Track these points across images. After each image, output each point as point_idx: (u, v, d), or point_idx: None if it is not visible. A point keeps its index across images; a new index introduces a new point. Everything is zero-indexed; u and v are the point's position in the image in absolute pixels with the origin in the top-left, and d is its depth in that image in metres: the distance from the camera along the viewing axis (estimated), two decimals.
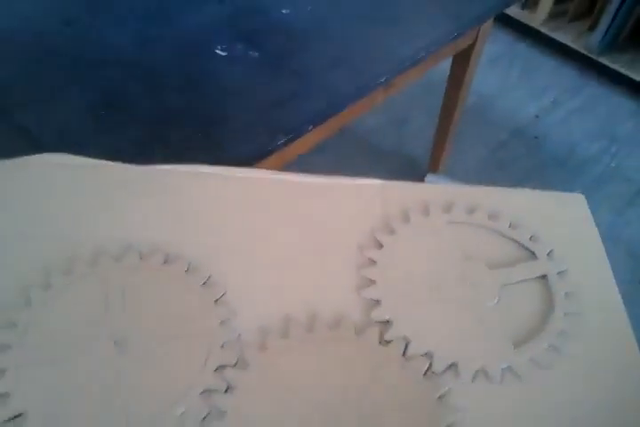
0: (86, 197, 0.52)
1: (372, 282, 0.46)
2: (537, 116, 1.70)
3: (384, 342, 0.43)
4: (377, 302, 0.45)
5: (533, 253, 0.49)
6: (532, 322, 0.45)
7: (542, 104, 1.74)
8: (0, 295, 0.45)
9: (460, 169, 1.45)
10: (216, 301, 0.45)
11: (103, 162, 0.54)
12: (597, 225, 0.51)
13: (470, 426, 0.39)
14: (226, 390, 0.41)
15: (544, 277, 0.47)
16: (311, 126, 0.72)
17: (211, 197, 0.53)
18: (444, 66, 1.19)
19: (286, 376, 0.41)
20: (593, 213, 0.52)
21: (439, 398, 0.40)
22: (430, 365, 0.42)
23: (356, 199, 0.52)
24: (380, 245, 0.48)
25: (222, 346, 0.43)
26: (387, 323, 0.44)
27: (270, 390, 0.41)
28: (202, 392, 0.40)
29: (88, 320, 0.44)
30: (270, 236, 0.50)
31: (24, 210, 0.51)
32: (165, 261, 0.48)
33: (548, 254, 0.48)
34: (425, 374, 0.41)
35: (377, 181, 0.53)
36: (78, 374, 0.41)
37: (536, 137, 1.62)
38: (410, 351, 0.42)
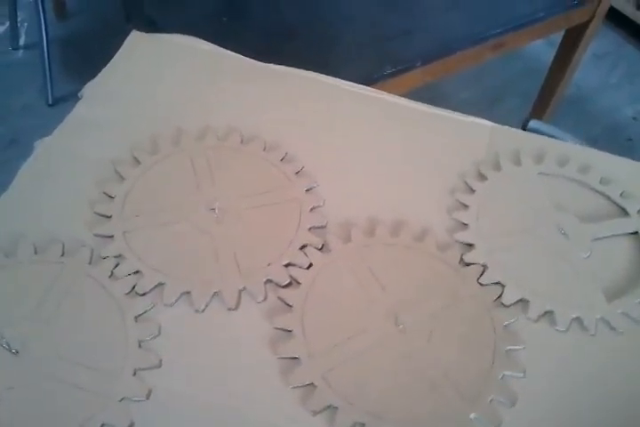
0: (194, 80, 0.55)
1: (465, 226, 0.47)
2: (634, 119, 1.65)
3: (463, 264, 0.45)
4: (470, 246, 0.45)
5: (624, 210, 0.49)
6: (625, 277, 0.45)
7: None
8: (97, 169, 0.48)
9: None
10: (297, 173, 0.49)
11: (227, 52, 0.57)
12: None
13: (565, 373, 0.40)
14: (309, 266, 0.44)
15: (635, 233, 0.47)
16: (419, 62, 0.74)
17: (318, 103, 0.55)
18: (548, 53, 1.15)
19: (363, 269, 0.44)
20: None
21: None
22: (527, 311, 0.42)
23: (464, 135, 0.53)
24: (472, 190, 0.49)
25: (311, 210, 0.47)
26: (482, 265, 0.44)
27: (347, 275, 0.43)
28: (300, 247, 0.44)
29: (182, 192, 0.47)
30: (371, 148, 0.52)
31: (138, 79, 0.55)
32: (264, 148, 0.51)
33: (638, 212, 0.49)
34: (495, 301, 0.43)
35: (488, 123, 0.54)
36: (183, 235, 0.45)
37: (630, 139, 1.57)
38: (505, 299, 0.43)
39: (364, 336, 0.41)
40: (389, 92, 0.55)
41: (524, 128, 0.65)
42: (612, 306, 0.43)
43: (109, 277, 0.42)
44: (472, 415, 0.37)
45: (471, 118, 0.54)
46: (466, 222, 0.47)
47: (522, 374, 0.40)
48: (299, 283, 0.43)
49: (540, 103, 1.26)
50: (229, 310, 0.41)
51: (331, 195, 0.48)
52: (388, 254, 0.45)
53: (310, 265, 0.44)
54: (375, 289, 0.43)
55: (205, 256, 0.44)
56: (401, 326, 0.41)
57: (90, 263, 0.42)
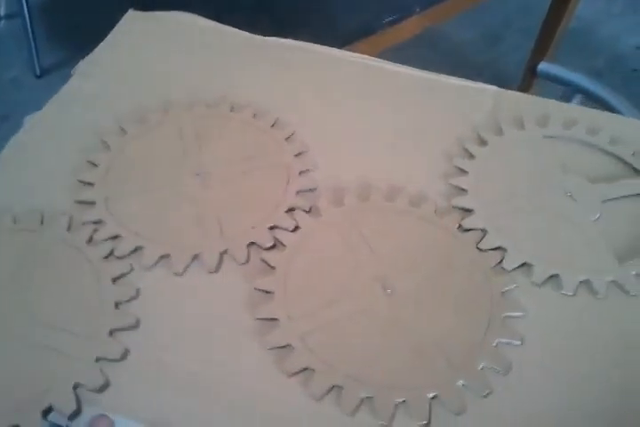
0: (189, 54, 0.54)
1: (464, 191, 0.44)
2: (638, 48, 1.58)
3: (461, 230, 0.42)
4: (469, 212, 0.43)
5: (636, 170, 0.45)
6: (637, 238, 0.42)
7: None
8: (83, 140, 0.47)
9: (550, 95, 1.37)
10: (286, 139, 0.47)
11: (226, 27, 0.56)
12: None
13: (568, 341, 0.37)
14: (294, 229, 0.42)
15: None
16: (418, 8, 0.72)
17: (313, 71, 0.53)
18: None
19: (353, 232, 0.41)
20: None
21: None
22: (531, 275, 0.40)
23: (467, 100, 0.51)
24: (472, 156, 0.46)
25: (300, 173, 0.45)
26: (481, 230, 0.42)
27: (335, 238, 0.41)
28: (287, 210, 0.43)
29: (168, 159, 0.46)
30: (366, 115, 0.50)
31: (133, 55, 0.54)
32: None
33: None
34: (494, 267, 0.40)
35: (492, 87, 0.51)
36: (166, 201, 0.44)
37: (635, 69, 1.51)
38: (507, 263, 0.40)
39: (349, 300, 0.38)
40: (391, 42, 0.53)
41: (533, 71, 0.62)
42: (625, 268, 0.40)
43: (88, 242, 0.41)
44: (460, 382, 0.34)
45: (475, 84, 0.52)
46: (464, 188, 0.44)
47: (519, 342, 0.37)
48: (284, 246, 0.41)
49: (543, 39, 1.20)
50: (210, 272, 0.40)
51: (322, 160, 0.46)
52: (382, 219, 0.43)
53: (296, 228, 0.42)
54: (364, 253, 0.41)
55: (188, 221, 0.43)
56: (389, 291, 0.38)
57: (68, 230, 0.42)
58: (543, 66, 0.61)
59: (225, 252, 0.41)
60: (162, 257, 0.41)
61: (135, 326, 0.38)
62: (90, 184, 0.45)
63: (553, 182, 0.45)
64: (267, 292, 0.38)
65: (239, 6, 0.65)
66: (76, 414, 0.34)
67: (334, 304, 0.38)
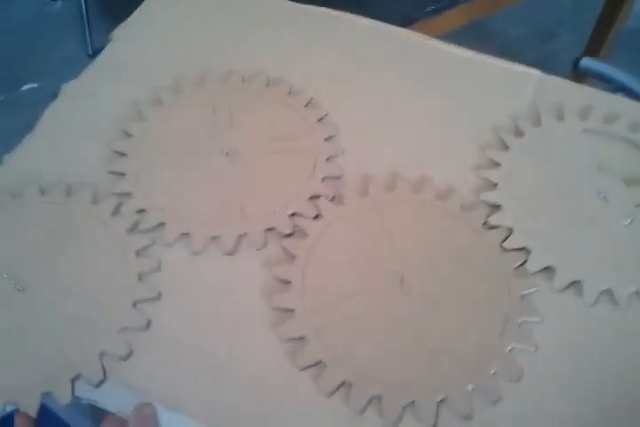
0: (226, 24, 0.53)
1: (494, 185, 0.43)
2: None
3: (487, 227, 0.41)
4: (497, 208, 0.41)
5: None
6: None
7: None
8: (119, 109, 0.47)
9: None
10: (319, 120, 0.46)
11: None
12: None
13: (584, 350, 0.37)
14: (315, 217, 0.41)
15: None
16: None
17: (353, 48, 0.51)
18: None
19: (376, 224, 0.41)
20: None
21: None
22: (554, 279, 0.39)
23: (508, 85, 0.48)
24: (507, 147, 0.45)
25: (327, 159, 0.44)
26: (508, 229, 0.41)
27: (357, 229, 0.41)
28: (310, 198, 0.42)
29: (199, 134, 0.45)
30: (402, 97, 0.48)
31: (168, 22, 0.53)
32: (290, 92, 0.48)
33: None
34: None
35: (536, 72, 0.49)
36: (193, 178, 0.43)
37: None
38: (530, 265, 0.39)
39: (365, 295, 0.38)
40: (433, 32, 0.50)
41: (575, 67, 0.59)
42: None
43: (113, 214, 0.41)
44: (469, 387, 0.35)
45: (519, 67, 0.49)
46: (495, 182, 0.43)
47: (533, 349, 0.36)
48: (305, 234, 0.40)
49: (596, 39, 1.15)
50: (225, 254, 0.40)
51: (352, 146, 0.45)
52: (406, 212, 0.42)
53: (317, 216, 0.41)
54: (385, 247, 0.40)
55: (212, 200, 0.42)
56: (405, 289, 0.38)
57: (94, 202, 0.42)
58: (585, 61, 0.58)
59: (244, 234, 0.41)
60: (182, 235, 0.41)
61: (157, 297, 0.38)
62: (123, 155, 0.44)
63: (587, 182, 0.43)
64: (285, 281, 0.38)
65: None
66: (101, 383, 0.36)
67: (350, 298, 0.38)
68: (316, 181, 0.43)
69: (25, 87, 1.16)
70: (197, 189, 0.43)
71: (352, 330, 0.37)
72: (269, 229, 0.41)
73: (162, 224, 0.41)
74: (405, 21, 0.51)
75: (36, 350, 0.37)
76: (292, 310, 0.37)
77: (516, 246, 0.40)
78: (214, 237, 0.40)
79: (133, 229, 0.41)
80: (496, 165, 0.44)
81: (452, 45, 0.51)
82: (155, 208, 0.41)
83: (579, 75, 0.61)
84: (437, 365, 0.35)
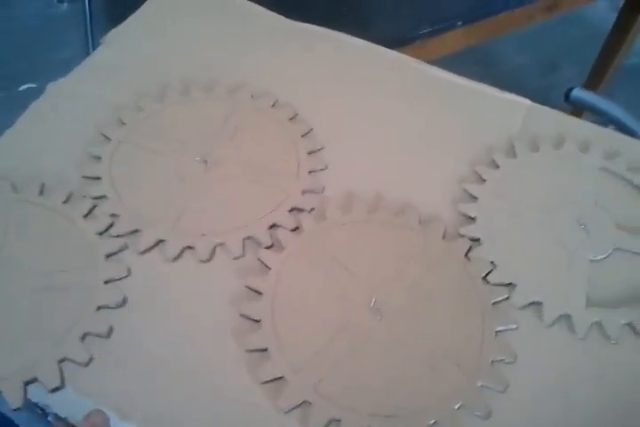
0: (217, 34, 0.53)
1: (473, 219, 0.41)
2: None
3: (469, 259, 0.40)
4: (477, 242, 0.40)
5: None
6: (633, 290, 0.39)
7: None
8: (100, 113, 0.47)
9: None
10: (303, 136, 0.46)
11: (260, 8, 0.54)
12: None
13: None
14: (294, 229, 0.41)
15: None
16: (460, 22, 0.68)
17: (348, 67, 0.51)
18: (610, 18, 1.04)
19: (352, 245, 0.40)
20: None
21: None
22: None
23: (498, 112, 0.48)
24: (483, 180, 0.43)
25: (309, 173, 0.44)
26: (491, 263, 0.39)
27: (339, 245, 0.40)
28: (290, 210, 0.42)
29: (179, 140, 0.45)
30: (388, 117, 0.48)
31: (161, 29, 0.53)
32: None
33: None
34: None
35: (526, 101, 0.49)
36: (169, 185, 0.43)
37: None
38: (515, 300, 0.38)
39: (345, 334, 0.36)
40: (429, 55, 0.50)
41: (567, 97, 0.58)
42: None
43: (84, 216, 0.41)
44: (457, 405, 0.34)
45: (508, 95, 0.49)
46: (473, 215, 0.42)
47: (512, 360, 0.36)
48: (282, 247, 0.39)
49: (596, 72, 1.14)
50: (201, 262, 0.39)
51: (335, 161, 0.45)
52: (387, 235, 0.40)
53: (296, 228, 0.41)
54: (362, 268, 0.39)
55: (190, 208, 0.42)
56: (378, 317, 0.37)
57: (66, 202, 0.41)
58: (577, 92, 0.58)
59: (221, 244, 0.40)
60: (156, 242, 0.40)
61: (121, 304, 0.37)
62: (98, 158, 0.44)
63: (570, 210, 0.42)
64: (256, 292, 0.38)
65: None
66: (57, 389, 0.34)
67: (326, 336, 0.36)
68: (296, 193, 0.42)
69: (23, 87, 1.16)
70: (175, 196, 0.42)
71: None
72: (247, 238, 0.40)
73: (136, 231, 0.40)
74: (401, 42, 0.51)
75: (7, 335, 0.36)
76: (258, 321, 0.36)
77: (501, 282, 0.39)
78: (189, 246, 0.40)
79: (105, 232, 0.40)
80: (473, 198, 0.43)
81: (443, 70, 0.51)
82: (129, 213, 0.41)
83: (575, 106, 0.61)
84: (425, 386, 0.34)
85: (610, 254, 0.40)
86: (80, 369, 0.35)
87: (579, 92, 0.58)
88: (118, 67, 0.50)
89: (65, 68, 0.50)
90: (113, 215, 0.41)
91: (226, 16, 0.54)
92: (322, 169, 0.44)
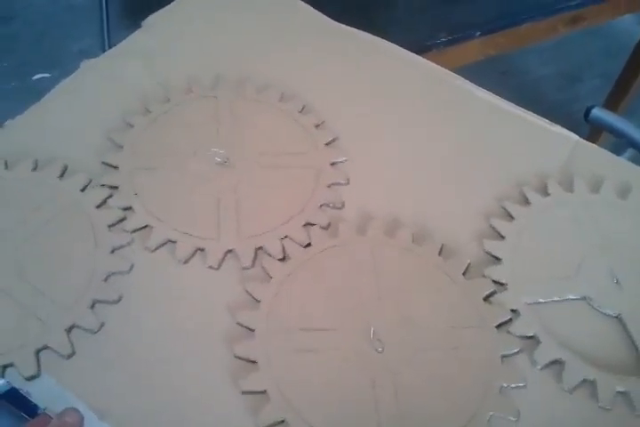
0: (252, 29, 0.52)
1: (499, 260, 0.39)
2: None
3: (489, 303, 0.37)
4: (502, 286, 0.38)
5: None
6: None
7: None
8: (127, 98, 0.46)
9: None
10: (326, 144, 0.45)
11: (300, 3, 0.53)
12: None
13: None
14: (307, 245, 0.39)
15: None
16: (478, 33, 0.66)
17: (380, 73, 0.49)
18: (635, 32, 1.02)
19: (372, 267, 0.38)
20: None
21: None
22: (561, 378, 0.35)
23: (542, 142, 0.46)
24: (511, 217, 0.41)
25: (329, 186, 0.42)
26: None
27: (352, 266, 0.38)
28: (304, 224, 0.40)
29: (201, 138, 0.44)
30: (420, 135, 0.46)
31: (199, 19, 0.53)
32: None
33: None
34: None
35: (573, 136, 0.46)
36: (189, 186, 0.42)
37: None
38: (537, 357, 0.35)
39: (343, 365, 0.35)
40: (445, 63, 0.49)
41: (586, 116, 0.57)
42: None
43: (97, 207, 0.40)
44: None
45: (555, 128, 0.46)
46: (499, 256, 0.39)
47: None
48: (290, 258, 0.38)
49: (620, 87, 1.09)
50: (210, 268, 0.38)
51: (357, 176, 0.43)
52: (404, 262, 0.39)
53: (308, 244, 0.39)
54: (371, 292, 0.38)
55: (205, 210, 0.40)
56: (380, 349, 0.35)
57: (82, 190, 0.41)
58: (596, 112, 0.55)
59: (231, 251, 0.39)
60: (168, 241, 0.39)
61: (116, 301, 0.37)
62: (119, 147, 0.43)
63: (599, 259, 0.40)
64: (255, 300, 0.37)
65: None
66: (33, 378, 0.34)
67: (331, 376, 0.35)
68: (313, 206, 0.41)
69: (36, 76, 1.15)
70: (192, 195, 0.41)
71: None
72: (258, 249, 0.39)
73: (147, 226, 0.39)
74: (416, 49, 0.49)
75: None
76: (252, 330, 0.35)
77: (524, 334, 0.36)
78: (200, 249, 0.39)
79: (114, 225, 0.39)
80: (500, 236, 0.40)
81: (486, 91, 0.48)
82: (143, 208, 0.40)
83: (594, 126, 0.59)
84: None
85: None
86: (62, 362, 0.34)
87: (598, 112, 0.56)
88: (150, 52, 0.49)
89: (80, 58, 0.49)
90: (126, 209, 0.40)
91: (267, 10, 0.53)
92: (342, 183, 0.43)
